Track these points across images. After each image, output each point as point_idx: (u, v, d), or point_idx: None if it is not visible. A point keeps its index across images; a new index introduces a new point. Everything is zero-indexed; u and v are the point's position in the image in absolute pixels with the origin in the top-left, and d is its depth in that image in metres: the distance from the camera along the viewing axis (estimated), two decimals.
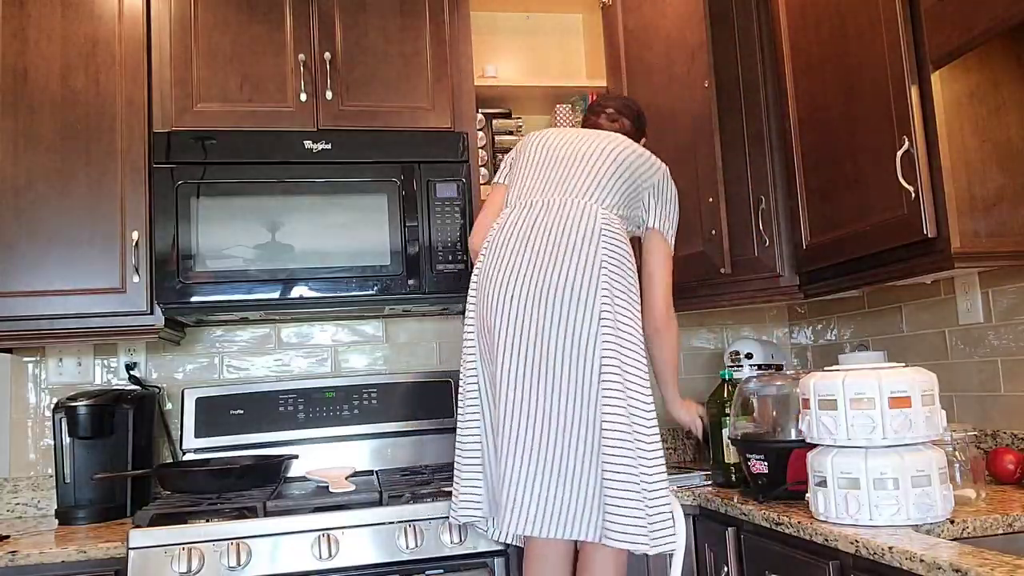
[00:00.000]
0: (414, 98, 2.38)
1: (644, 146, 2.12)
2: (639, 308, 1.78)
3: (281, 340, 2.62)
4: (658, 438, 1.69)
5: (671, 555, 1.84)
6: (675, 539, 1.68)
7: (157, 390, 2.49)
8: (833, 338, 2.66)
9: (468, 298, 1.88)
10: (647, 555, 2.04)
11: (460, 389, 1.85)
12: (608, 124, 2.13)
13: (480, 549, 1.95)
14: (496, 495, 1.77)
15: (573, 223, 1.76)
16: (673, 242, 2.00)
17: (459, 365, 2.69)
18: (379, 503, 1.98)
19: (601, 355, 1.67)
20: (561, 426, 1.68)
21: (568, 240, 1.74)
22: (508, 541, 1.85)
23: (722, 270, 2.11)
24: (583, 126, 2.18)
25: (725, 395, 2.19)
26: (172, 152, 2.20)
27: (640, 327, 1.76)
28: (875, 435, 1.53)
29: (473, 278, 1.87)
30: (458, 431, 1.83)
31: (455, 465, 1.84)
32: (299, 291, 2.21)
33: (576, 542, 1.82)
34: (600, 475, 1.65)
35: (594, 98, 2.43)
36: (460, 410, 1.84)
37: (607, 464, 1.63)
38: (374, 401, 2.51)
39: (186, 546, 1.82)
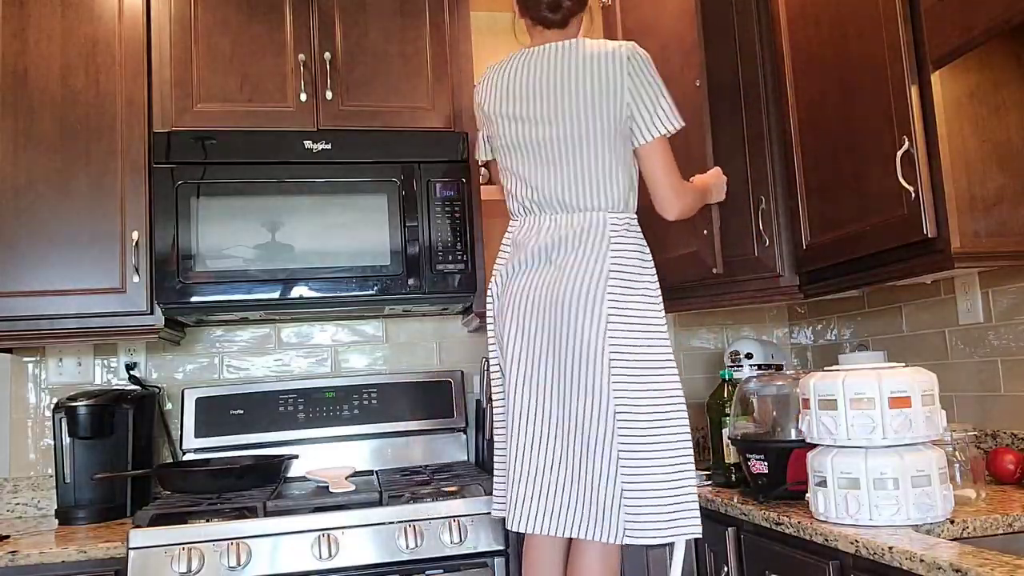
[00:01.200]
0: (414, 98, 2.38)
1: None
2: (653, 295, 1.77)
3: (281, 340, 2.62)
4: (682, 424, 1.71)
5: (671, 555, 1.84)
6: (694, 525, 1.68)
7: (157, 390, 2.49)
8: (833, 338, 2.66)
9: (487, 308, 1.93)
10: (647, 551, 2.05)
11: (492, 391, 1.92)
12: (558, 33, 1.87)
13: (480, 549, 1.95)
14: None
15: (581, 239, 1.77)
16: (671, 120, 1.80)
17: (459, 365, 2.70)
18: (379, 503, 1.98)
19: (610, 355, 1.68)
20: (575, 429, 1.69)
21: (577, 254, 1.76)
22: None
23: (715, 270, 2.11)
24: (532, 40, 1.92)
25: (725, 395, 2.19)
26: (172, 152, 2.20)
27: (656, 310, 1.75)
28: (875, 435, 1.53)
29: (489, 294, 1.91)
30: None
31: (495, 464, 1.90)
32: (299, 291, 2.21)
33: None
34: (619, 475, 1.66)
35: None
36: (494, 413, 1.91)
37: (625, 464, 1.65)
38: (374, 401, 2.51)
39: (186, 546, 1.82)
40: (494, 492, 1.87)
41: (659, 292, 1.79)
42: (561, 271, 1.75)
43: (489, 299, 1.92)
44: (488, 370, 2.49)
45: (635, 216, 1.86)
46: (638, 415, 1.68)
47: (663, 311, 1.78)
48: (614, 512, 1.65)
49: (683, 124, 1.84)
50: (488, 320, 1.92)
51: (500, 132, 1.88)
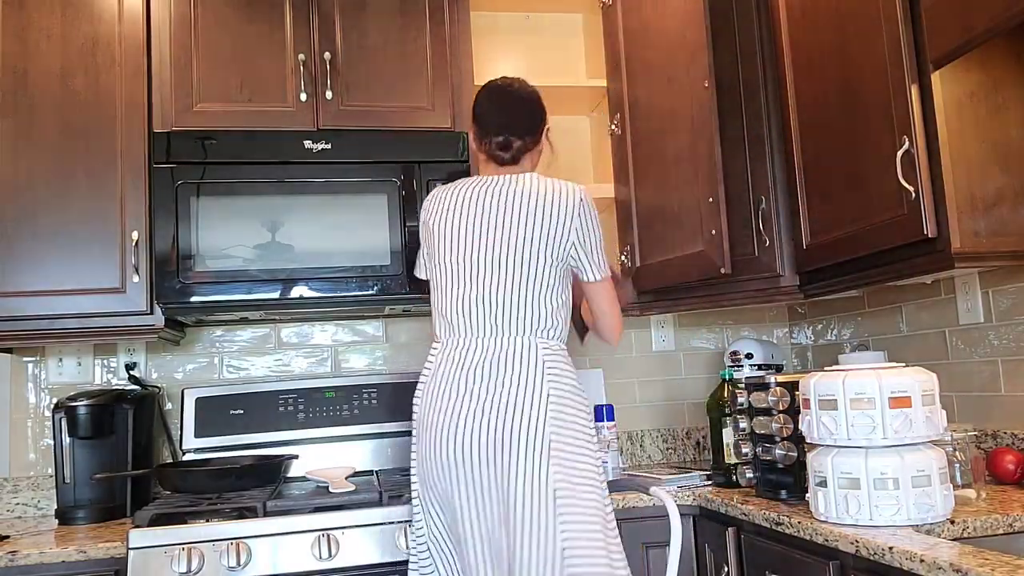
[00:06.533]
0: (414, 98, 2.38)
1: (545, 131, 1.89)
2: (587, 420, 1.73)
3: (281, 340, 2.62)
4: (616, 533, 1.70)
5: (668, 555, 1.84)
6: None
7: (157, 390, 2.49)
8: (833, 338, 2.66)
9: (413, 430, 1.81)
10: (647, 550, 2.05)
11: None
12: (510, 168, 1.86)
13: None
14: None
15: (518, 363, 1.71)
16: (606, 268, 1.85)
17: None
18: (379, 503, 1.98)
19: (554, 484, 1.63)
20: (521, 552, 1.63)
21: (516, 378, 1.70)
22: None
23: (722, 270, 2.11)
24: (484, 171, 1.90)
25: (725, 395, 2.19)
26: (172, 152, 2.20)
27: (589, 434, 1.72)
28: (875, 435, 1.53)
29: (414, 416, 1.80)
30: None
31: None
32: (299, 291, 2.21)
33: None
34: None
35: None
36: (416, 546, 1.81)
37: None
38: (374, 401, 2.51)
39: (186, 546, 1.82)
40: None
41: (591, 418, 1.76)
42: (498, 398, 1.68)
43: (415, 420, 1.80)
44: None
45: (564, 344, 1.80)
46: (585, 554, 1.61)
47: (594, 435, 1.74)
48: None
49: (610, 277, 1.88)
50: (412, 442, 1.80)
51: (440, 248, 1.82)
